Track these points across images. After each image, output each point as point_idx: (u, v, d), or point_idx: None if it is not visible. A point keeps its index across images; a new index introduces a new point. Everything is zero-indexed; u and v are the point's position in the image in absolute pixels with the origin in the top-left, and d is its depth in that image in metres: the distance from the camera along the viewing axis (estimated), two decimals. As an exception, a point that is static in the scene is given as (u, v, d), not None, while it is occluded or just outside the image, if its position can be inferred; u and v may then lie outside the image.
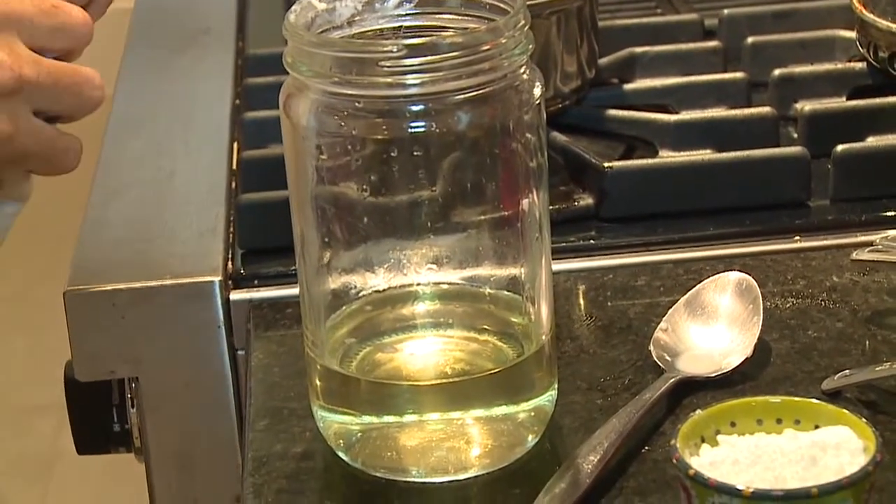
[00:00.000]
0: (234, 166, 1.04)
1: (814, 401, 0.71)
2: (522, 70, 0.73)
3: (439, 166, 0.73)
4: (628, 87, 1.09)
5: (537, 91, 0.74)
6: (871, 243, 0.88)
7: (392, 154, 0.72)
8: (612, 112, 1.05)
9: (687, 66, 1.10)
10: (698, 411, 0.71)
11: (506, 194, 0.75)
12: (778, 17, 1.16)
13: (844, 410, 0.70)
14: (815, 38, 1.12)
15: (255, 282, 0.92)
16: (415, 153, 0.72)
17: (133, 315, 0.90)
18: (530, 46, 0.73)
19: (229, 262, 0.93)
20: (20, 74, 0.72)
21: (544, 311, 0.77)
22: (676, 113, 1.05)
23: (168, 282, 0.91)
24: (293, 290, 0.85)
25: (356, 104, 0.71)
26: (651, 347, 0.83)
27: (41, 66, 0.73)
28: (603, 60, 1.09)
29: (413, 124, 0.71)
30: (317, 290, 0.76)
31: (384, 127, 0.71)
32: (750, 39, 1.12)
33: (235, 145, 1.06)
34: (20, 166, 0.76)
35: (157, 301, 0.90)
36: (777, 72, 1.07)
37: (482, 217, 0.75)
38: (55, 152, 0.75)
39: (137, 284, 0.90)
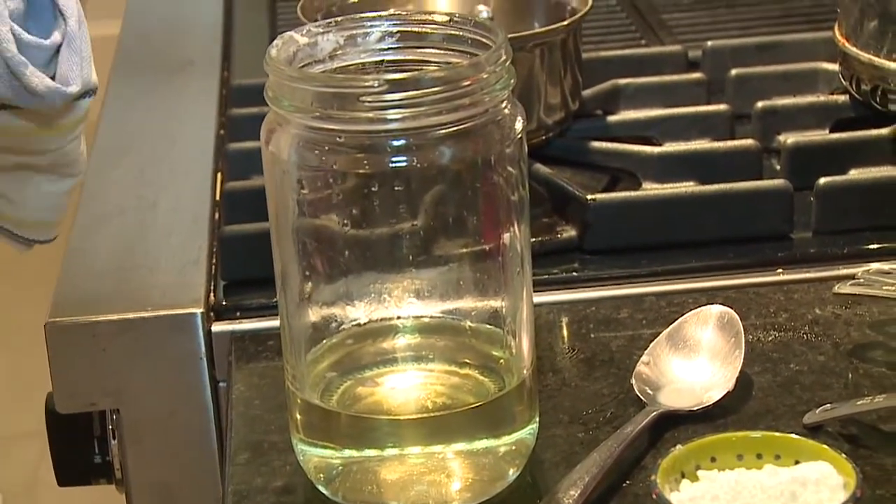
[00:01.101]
0: (218, 197, 1.03)
1: (794, 436, 0.71)
2: (504, 105, 0.73)
3: (420, 200, 0.73)
4: (612, 118, 1.09)
5: (519, 125, 0.74)
6: (853, 276, 0.88)
7: (373, 188, 0.72)
8: (596, 144, 1.05)
9: (671, 97, 1.11)
10: (678, 446, 0.71)
11: (487, 228, 0.75)
12: (761, 49, 1.16)
13: (825, 446, 0.70)
14: (799, 70, 1.12)
15: (237, 313, 0.92)
16: (396, 188, 0.72)
17: (114, 347, 0.90)
18: (512, 81, 0.73)
19: (211, 294, 0.93)
20: None
21: (525, 344, 0.76)
22: (660, 145, 1.05)
23: (149, 313, 0.90)
24: (275, 322, 0.84)
25: (337, 139, 0.71)
26: (633, 381, 0.83)
27: None
28: (587, 92, 1.09)
29: (394, 159, 0.71)
30: (297, 323, 0.76)
31: (365, 162, 0.71)
32: (734, 71, 1.12)
33: (219, 176, 1.06)
34: None
35: (138, 333, 0.90)
36: (760, 104, 1.07)
37: (463, 251, 0.75)
38: None
39: (118, 316, 0.90)
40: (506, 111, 0.73)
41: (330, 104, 0.71)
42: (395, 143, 0.71)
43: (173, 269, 0.95)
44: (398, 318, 0.77)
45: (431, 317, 0.77)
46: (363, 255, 0.74)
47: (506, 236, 0.75)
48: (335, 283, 0.75)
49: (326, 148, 0.71)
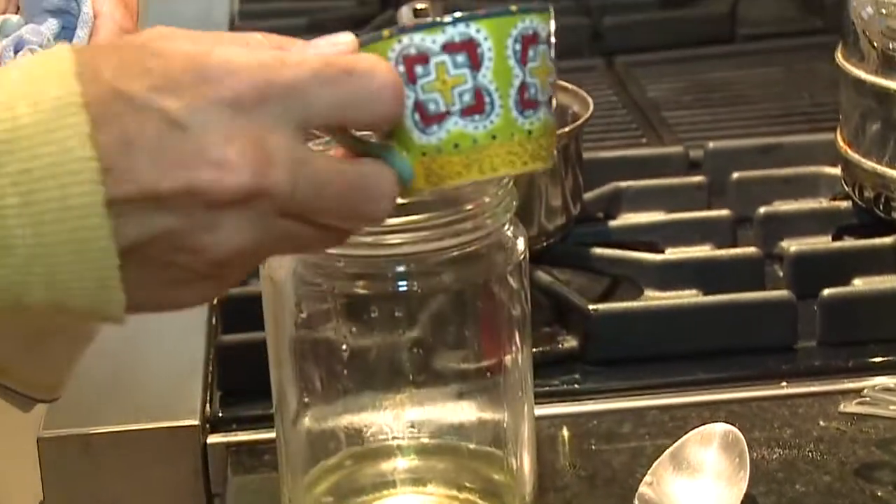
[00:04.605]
0: (216, 304, 1.02)
1: None
2: (506, 227, 0.72)
3: (421, 322, 0.72)
4: (613, 223, 1.08)
5: (521, 246, 0.73)
6: (858, 390, 0.87)
7: (373, 312, 0.71)
8: (598, 251, 1.04)
9: (672, 200, 1.10)
10: None
11: (488, 346, 0.74)
12: (762, 151, 1.16)
13: None
14: (800, 174, 1.12)
15: (234, 425, 0.90)
16: (397, 313, 0.71)
17: (107, 460, 0.88)
18: (514, 203, 0.72)
19: (207, 405, 0.92)
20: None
21: (527, 466, 0.75)
22: (662, 250, 1.04)
23: (144, 426, 0.89)
24: (272, 434, 0.83)
25: (337, 263, 0.70)
26: (636, 502, 0.81)
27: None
28: (588, 195, 1.08)
29: (396, 284, 0.70)
30: (294, 444, 0.75)
31: (366, 286, 0.70)
32: (735, 175, 1.12)
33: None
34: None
35: (132, 446, 0.89)
36: (762, 210, 1.06)
37: (464, 369, 0.74)
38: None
39: (112, 429, 0.89)
40: (508, 233, 0.72)
41: (330, 227, 0.70)
42: (398, 268, 0.70)
43: (169, 378, 0.94)
44: (397, 439, 0.76)
45: (431, 438, 0.76)
46: (362, 374, 0.73)
47: (507, 359, 0.74)
48: (333, 404, 0.74)
49: (326, 271, 0.71)
